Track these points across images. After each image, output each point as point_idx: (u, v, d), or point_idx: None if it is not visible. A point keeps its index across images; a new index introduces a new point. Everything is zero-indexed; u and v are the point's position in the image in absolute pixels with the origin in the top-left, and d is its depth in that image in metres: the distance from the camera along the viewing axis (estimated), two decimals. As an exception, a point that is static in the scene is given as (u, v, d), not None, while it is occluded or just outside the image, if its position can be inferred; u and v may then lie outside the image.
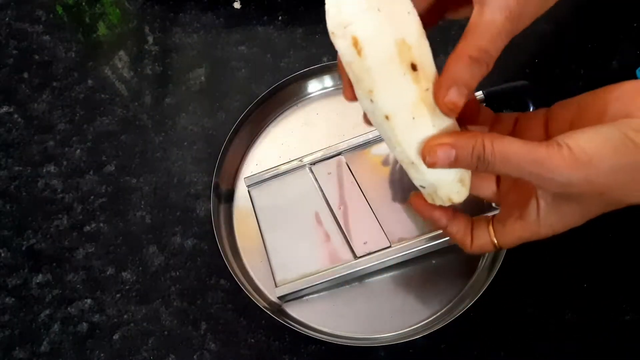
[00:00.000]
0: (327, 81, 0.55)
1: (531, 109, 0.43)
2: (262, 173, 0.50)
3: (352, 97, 0.31)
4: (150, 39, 0.61)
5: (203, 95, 0.57)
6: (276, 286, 0.45)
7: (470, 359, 0.44)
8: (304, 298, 0.46)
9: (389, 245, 0.44)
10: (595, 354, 0.44)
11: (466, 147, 0.29)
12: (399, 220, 0.45)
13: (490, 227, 0.34)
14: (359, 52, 0.28)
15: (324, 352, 0.45)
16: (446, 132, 0.30)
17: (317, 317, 0.46)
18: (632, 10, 0.57)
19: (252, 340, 0.46)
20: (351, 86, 0.30)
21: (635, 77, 0.52)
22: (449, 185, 0.32)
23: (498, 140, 0.28)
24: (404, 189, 0.47)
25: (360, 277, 0.46)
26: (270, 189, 0.49)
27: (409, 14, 0.29)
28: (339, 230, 0.46)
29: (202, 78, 0.58)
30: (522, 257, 0.46)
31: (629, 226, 0.46)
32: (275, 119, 0.55)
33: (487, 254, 0.47)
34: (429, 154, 0.29)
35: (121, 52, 0.61)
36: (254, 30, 0.60)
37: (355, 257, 0.44)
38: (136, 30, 0.62)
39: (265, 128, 0.54)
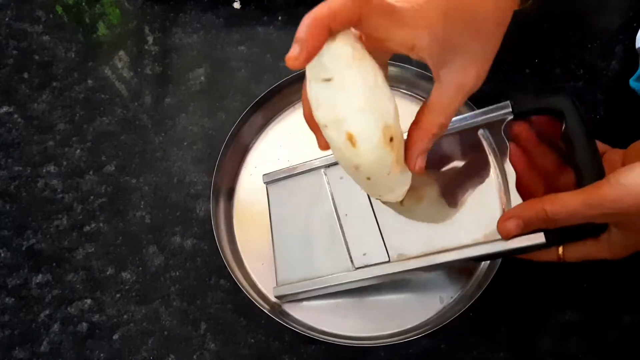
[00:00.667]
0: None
1: (564, 125, 0.38)
2: (279, 171, 0.49)
3: (327, 148, 0.35)
4: (150, 39, 0.61)
5: (203, 95, 0.57)
6: (277, 285, 0.45)
7: (470, 359, 0.44)
8: (305, 299, 0.46)
9: (387, 260, 0.42)
10: (595, 354, 0.44)
11: (530, 217, 0.35)
12: (403, 235, 0.42)
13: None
14: (353, 145, 0.32)
15: (324, 352, 0.45)
16: (512, 208, 0.37)
17: (317, 317, 0.46)
18: (632, 11, 0.57)
19: (252, 340, 0.46)
20: (324, 138, 0.34)
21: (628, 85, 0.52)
22: (401, 196, 0.41)
23: (555, 202, 0.34)
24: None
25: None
26: (286, 188, 0.49)
27: (389, 100, 0.33)
28: (342, 237, 0.44)
29: (202, 78, 0.58)
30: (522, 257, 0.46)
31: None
32: (275, 119, 0.55)
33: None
34: (503, 229, 0.36)
35: (121, 52, 0.61)
36: (253, 30, 0.60)
37: (354, 267, 0.43)
38: (136, 30, 0.62)
39: (265, 128, 0.54)
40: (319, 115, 0.32)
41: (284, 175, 0.49)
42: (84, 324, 0.48)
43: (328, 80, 0.30)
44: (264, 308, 0.45)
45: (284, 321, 0.44)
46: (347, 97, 0.31)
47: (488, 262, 0.46)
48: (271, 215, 0.48)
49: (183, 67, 0.59)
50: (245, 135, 0.53)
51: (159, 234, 0.51)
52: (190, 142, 0.55)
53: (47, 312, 0.49)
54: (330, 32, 0.28)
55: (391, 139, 0.33)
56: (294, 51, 0.28)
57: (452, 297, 0.45)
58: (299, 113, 0.54)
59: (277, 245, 0.47)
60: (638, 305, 0.45)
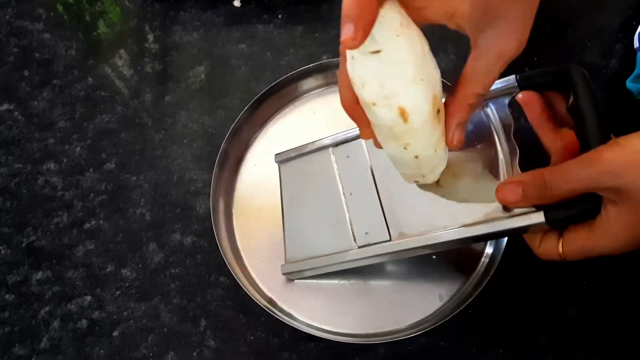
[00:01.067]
0: (327, 79, 0.55)
1: (571, 98, 0.37)
2: (290, 150, 0.50)
3: (372, 136, 0.35)
4: (150, 37, 0.61)
5: (203, 93, 0.58)
6: (285, 263, 0.46)
7: (469, 356, 0.45)
8: (305, 296, 0.47)
9: (388, 239, 0.42)
10: (594, 351, 0.44)
11: (528, 182, 0.34)
12: (405, 215, 0.42)
13: (561, 237, 0.35)
14: (405, 120, 0.30)
15: (323, 349, 0.45)
16: (512, 178, 0.37)
17: (317, 315, 0.46)
18: (631, 9, 0.57)
19: (252, 337, 0.46)
20: (369, 127, 0.33)
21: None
22: (438, 176, 0.39)
23: (554, 168, 0.33)
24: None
25: (360, 274, 0.46)
26: (296, 167, 0.49)
27: (435, 69, 0.31)
28: (346, 216, 0.45)
29: (202, 76, 0.58)
30: (522, 254, 0.46)
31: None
32: (274, 116, 0.55)
33: (485, 252, 0.47)
34: (501, 193, 0.35)
35: (121, 50, 0.61)
36: (254, 28, 0.60)
37: (356, 246, 0.43)
38: (136, 28, 0.62)
39: (265, 126, 0.54)
40: (366, 94, 0.30)
41: (295, 154, 0.50)
42: (84, 321, 0.48)
43: (376, 52, 0.28)
44: (264, 305, 0.45)
45: (283, 318, 0.44)
46: (398, 68, 0.29)
47: (487, 260, 0.46)
48: (282, 194, 0.49)
49: (183, 65, 0.59)
50: (245, 132, 0.54)
51: (159, 231, 0.51)
52: (190, 139, 0.55)
53: (47, 309, 0.49)
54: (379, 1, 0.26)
55: (438, 111, 0.32)
56: (349, 31, 0.25)
57: (451, 295, 0.45)
58: (299, 110, 0.55)
59: (287, 224, 0.48)
60: (637, 303, 0.45)
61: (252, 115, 0.54)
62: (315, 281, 0.47)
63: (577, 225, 0.34)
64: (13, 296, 0.50)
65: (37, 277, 0.50)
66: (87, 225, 0.52)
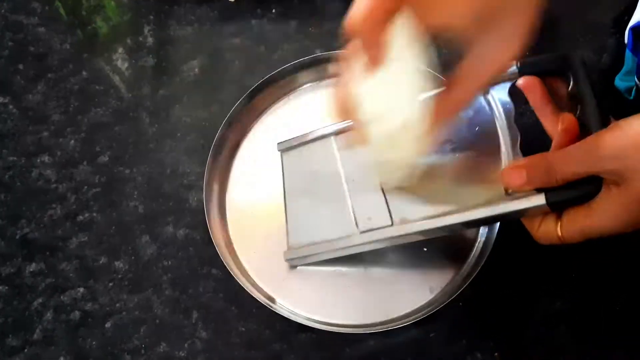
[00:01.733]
0: (319, 73, 0.55)
1: (571, 84, 0.38)
2: (293, 139, 0.50)
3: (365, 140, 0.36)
4: (145, 31, 0.62)
5: (197, 86, 0.58)
6: (287, 249, 0.47)
7: (459, 347, 0.45)
8: (297, 287, 0.47)
9: (390, 224, 0.42)
10: (584, 344, 0.44)
11: (533, 165, 0.35)
12: (407, 200, 0.42)
13: (560, 219, 0.35)
14: (406, 131, 0.34)
15: (315, 340, 0.46)
16: (516, 163, 0.38)
17: (308, 306, 0.46)
18: (623, 4, 0.57)
19: (243, 329, 0.47)
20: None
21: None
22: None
23: (557, 151, 0.34)
24: None
25: (352, 266, 0.47)
26: (298, 155, 0.50)
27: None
28: (349, 202, 0.45)
29: (196, 70, 0.59)
30: (512, 246, 0.47)
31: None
32: (268, 110, 0.55)
33: (477, 244, 0.47)
34: (506, 177, 0.36)
35: (116, 44, 0.62)
36: (247, 22, 0.61)
37: (358, 231, 0.44)
38: (131, 22, 0.63)
39: (258, 119, 0.55)
40: (371, 108, 0.33)
41: (297, 143, 0.50)
42: (77, 312, 0.48)
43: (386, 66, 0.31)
44: (256, 297, 0.45)
45: (275, 309, 0.45)
46: (406, 81, 0.32)
47: (478, 252, 0.46)
48: (284, 182, 0.50)
49: (177, 59, 0.60)
50: (238, 126, 0.54)
51: (152, 223, 0.51)
52: (183, 133, 0.55)
53: (40, 300, 0.49)
54: (385, 24, 0.30)
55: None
56: (374, 61, 0.30)
57: (441, 287, 0.46)
58: (292, 104, 0.55)
59: (290, 211, 0.48)
60: (628, 294, 0.45)
61: (246, 108, 0.54)
62: (307, 273, 0.47)
63: (576, 206, 0.34)
64: (6, 287, 0.50)
65: (31, 269, 0.50)
66: (81, 217, 0.52)
